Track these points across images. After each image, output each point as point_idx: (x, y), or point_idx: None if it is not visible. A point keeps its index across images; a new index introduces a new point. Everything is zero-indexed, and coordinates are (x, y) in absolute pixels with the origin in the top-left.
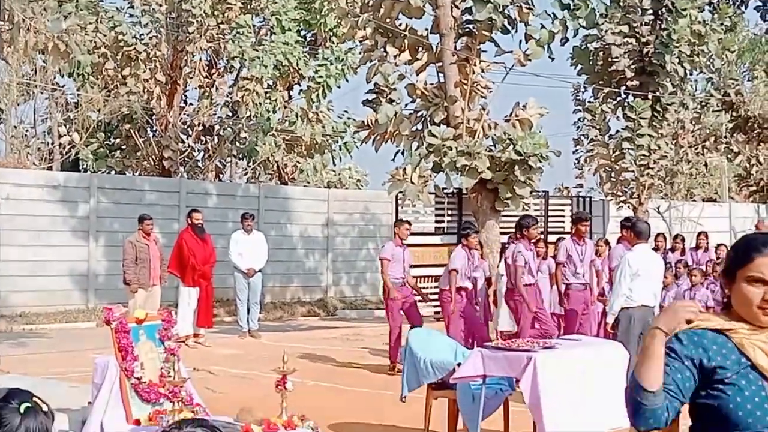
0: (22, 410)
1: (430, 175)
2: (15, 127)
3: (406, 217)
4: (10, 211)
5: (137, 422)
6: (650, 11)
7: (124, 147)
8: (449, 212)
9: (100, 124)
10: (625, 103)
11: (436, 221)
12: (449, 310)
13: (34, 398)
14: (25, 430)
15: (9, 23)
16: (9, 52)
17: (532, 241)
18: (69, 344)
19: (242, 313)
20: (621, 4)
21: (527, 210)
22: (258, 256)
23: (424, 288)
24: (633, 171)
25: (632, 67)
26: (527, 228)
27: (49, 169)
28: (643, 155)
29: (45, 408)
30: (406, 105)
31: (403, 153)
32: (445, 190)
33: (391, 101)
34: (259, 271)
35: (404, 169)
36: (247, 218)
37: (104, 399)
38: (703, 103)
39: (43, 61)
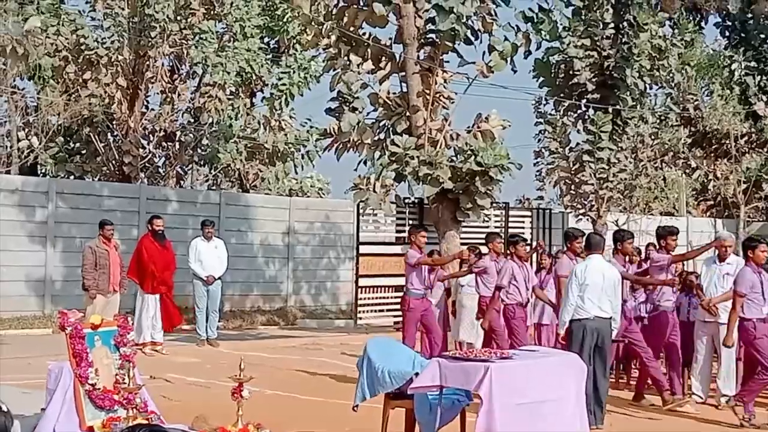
0: None
1: (393, 185)
2: None
3: (367, 226)
4: None
5: (90, 429)
6: (612, 25)
7: (83, 152)
8: (410, 222)
9: (60, 128)
10: (586, 117)
11: (397, 231)
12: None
13: None
14: None
15: None
16: None
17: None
18: (24, 350)
19: (201, 321)
20: (583, 18)
21: (487, 221)
22: (218, 263)
23: (385, 298)
24: (592, 184)
25: (593, 80)
26: (621, 241)
27: (8, 173)
28: (603, 168)
29: (4, 408)
30: (369, 114)
31: (365, 162)
32: (406, 200)
33: (354, 110)
34: (219, 278)
35: (367, 178)
36: (207, 225)
37: (57, 405)
38: (663, 118)
39: (3, 64)
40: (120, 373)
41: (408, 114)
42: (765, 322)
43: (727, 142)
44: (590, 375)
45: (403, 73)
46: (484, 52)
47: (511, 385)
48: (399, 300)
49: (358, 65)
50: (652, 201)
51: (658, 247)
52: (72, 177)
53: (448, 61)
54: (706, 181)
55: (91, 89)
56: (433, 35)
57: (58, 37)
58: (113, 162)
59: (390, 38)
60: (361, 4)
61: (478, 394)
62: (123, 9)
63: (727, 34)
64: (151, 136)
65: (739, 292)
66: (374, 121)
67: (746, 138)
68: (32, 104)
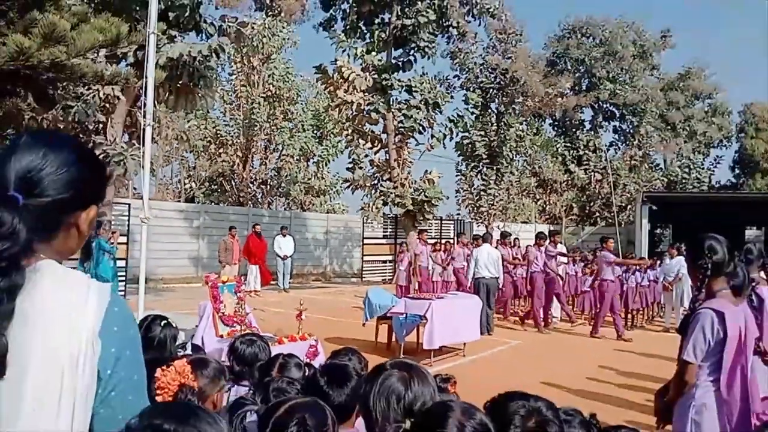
0: (162, 324)
1: (381, 208)
2: (161, 178)
3: (367, 230)
4: (159, 224)
5: (221, 336)
6: (495, 125)
7: (219, 190)
8: (390, 227)
9: (206, 178)
10: (482, 171)
11: (383, 232)
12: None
13: (169, 319)
14: (164, 336)
15: (157, 123)
16: (157, 138)
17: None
18: (187, 295)
19: (280, 279)
20: (481, 120)
21: (430, 227)
22: (289, 248)
23: (377, 267)
24: (485, 207)
25: (486, 152)
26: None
27: (178, 201)
28: (491, 198)
29: (174, 325)
30: (369, 170)
31: (367, 196)
32: (389, 216)
33: (360, 168)
34: (290, 257)
35: (368, 204)
36: (284, 229)
37: (204, 324)
38: (522, 172)
39: (177, 145)
40: (237, 307)
41: (389, 171)
42: (613, 282)
43: (556, 185)
44: (484, 308)
45: (387, 149)
46: (428, 138)
47: (443, 312)
48: (387, 268)
49: (363, 145)
50: (517, 215)
51: (548, 241)
52: (213, 204)
53: (410, 142)
54: (545, 205)
55: (223, 158)
56: (402, 129)
57: (205, 129)
58: (234, 196)
59: (380, 131)
60: (364, 112)
61: (426, 317)
62: (240, 115)
63: (556, 128)
64: (254, 182)
65: (613, 261)
66: (371, 174)
67: (565, 183)
68: (192, 165)
